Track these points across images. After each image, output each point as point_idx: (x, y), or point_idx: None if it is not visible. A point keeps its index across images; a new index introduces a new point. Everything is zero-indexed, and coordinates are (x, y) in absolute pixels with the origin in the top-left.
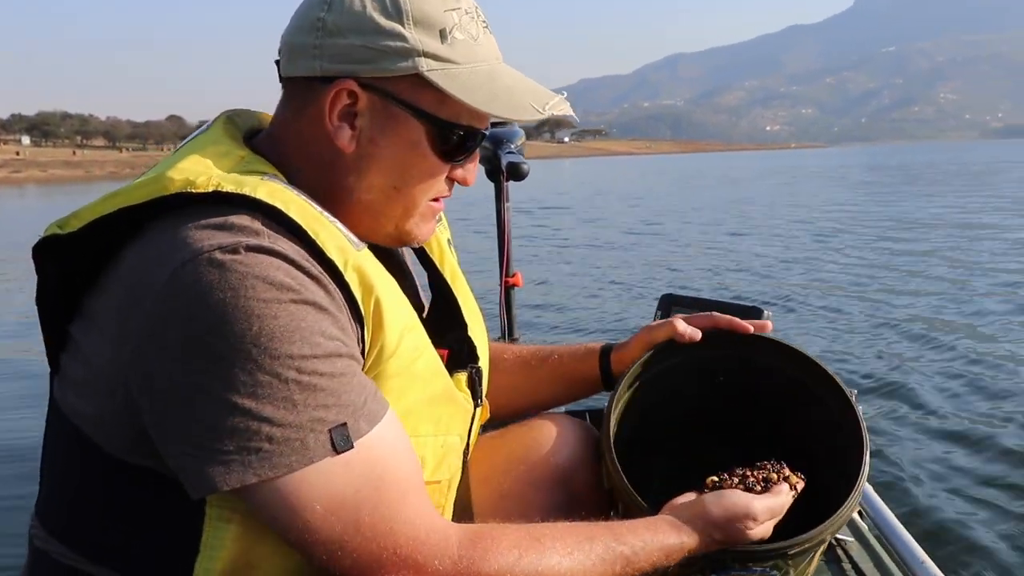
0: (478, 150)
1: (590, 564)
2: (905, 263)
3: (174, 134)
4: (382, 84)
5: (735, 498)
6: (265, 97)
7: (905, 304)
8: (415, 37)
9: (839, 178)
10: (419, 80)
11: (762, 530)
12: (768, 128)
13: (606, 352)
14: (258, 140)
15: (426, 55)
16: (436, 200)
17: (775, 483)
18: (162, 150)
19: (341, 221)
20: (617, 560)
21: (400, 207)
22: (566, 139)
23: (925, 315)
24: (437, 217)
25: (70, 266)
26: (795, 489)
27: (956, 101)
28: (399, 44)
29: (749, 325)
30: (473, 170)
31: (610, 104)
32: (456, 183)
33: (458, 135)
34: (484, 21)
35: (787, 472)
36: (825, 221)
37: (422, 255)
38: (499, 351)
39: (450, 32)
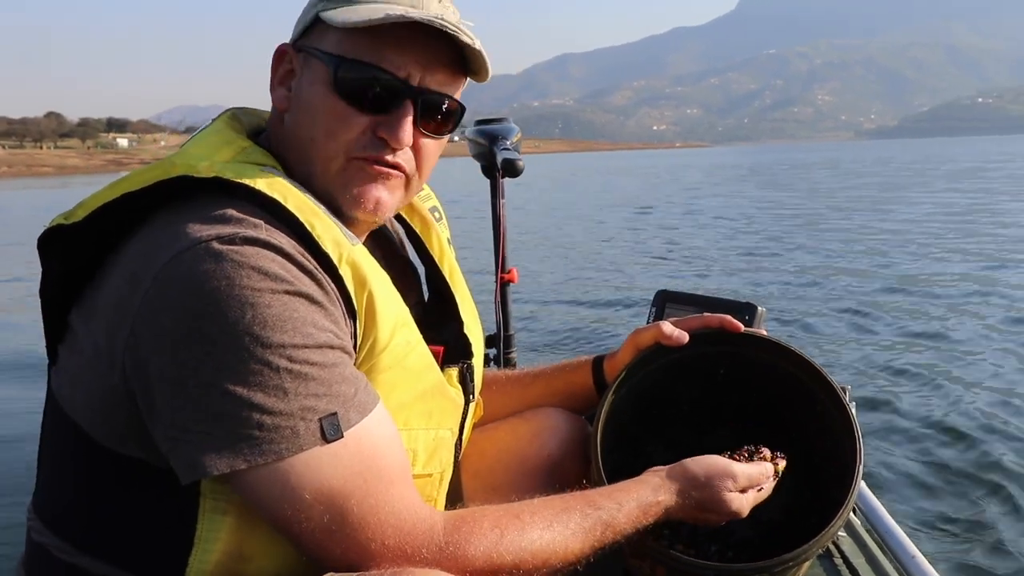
0: (405, 106)
1: (570, 533)
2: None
3: (53, 131)
4: (303, 41)
5: (716, 459)
6: (157, 92)
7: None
8: None
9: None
10: (323, 25)
11: (740, 498)
12: (655, 127)
13: (599, 362)
14: (263, 139)
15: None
16: (370, 161)
17: (757, 460)
18: (40, 148)
19: (313, 193)
20: (596, 525)
21: (321, 159)
22: (456, 138)
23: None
24: (392, 187)
25: (73, 258)
26: (776, 467)
27: (832, 102)
28: (310, 1)
29: (740, 324)
30: (399, 127)
31: (499, 104)
32: (387, 143)
33: (362, 75)
34: None
35: (766, 452)
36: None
37: (422, 252)
38: (492, 374)
39: None
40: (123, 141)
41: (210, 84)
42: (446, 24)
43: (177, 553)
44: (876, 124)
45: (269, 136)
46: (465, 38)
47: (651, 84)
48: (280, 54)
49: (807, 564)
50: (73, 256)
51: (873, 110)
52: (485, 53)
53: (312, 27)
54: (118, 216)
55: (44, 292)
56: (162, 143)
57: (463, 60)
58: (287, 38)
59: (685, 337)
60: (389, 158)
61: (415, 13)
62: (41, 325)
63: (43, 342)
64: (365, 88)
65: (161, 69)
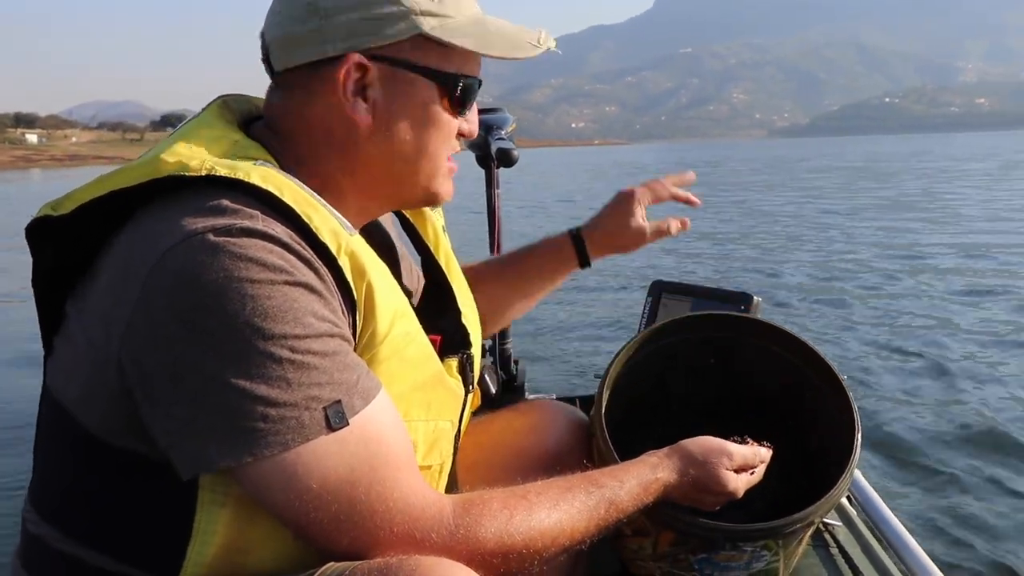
0: (475, 102)
1: (575, 512)
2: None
3: None
4: (388, 52)
5: (711, 439)
6: (68, 87)
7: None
8: None
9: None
10: (420, 39)
11: (736, 477)
12: (574, 125)
13: (577, 236)
14: (258, 125)
15: (423, 14)
16: (450, 159)
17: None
18: None
19: (365, 197)
20: (600, 504)
21: (426, 169)
22: None
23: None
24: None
25: (65, 248)
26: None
27: (746, 101)
28: (396, 8)
29: (692, 197)
30: (475, 120)
31: None
32: (463, 137)
33: (464, 87)
34: None
35: (751, 443)
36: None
37: (417, 240)
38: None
39: None
40: (32, 137)
41: (123, 79)
42: (551, 47)
43: (175, 545)
44: (789, 122)
45: (272, 131)
46: (556, 49)
47: (569, 82)
48: (355, 65)
49: (802, 547)
50: (65, 246)
51: (786, 109)
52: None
53: (403, 40)
54: (107, 207)
55: (37, 282)
56: (73, 139)
57: None
58: (204, 30)
59: (673, 189)
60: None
61: (547, 40)
62: (35, 315)
63: (39, 332)
64: (468, 98)
65: (71, 63)
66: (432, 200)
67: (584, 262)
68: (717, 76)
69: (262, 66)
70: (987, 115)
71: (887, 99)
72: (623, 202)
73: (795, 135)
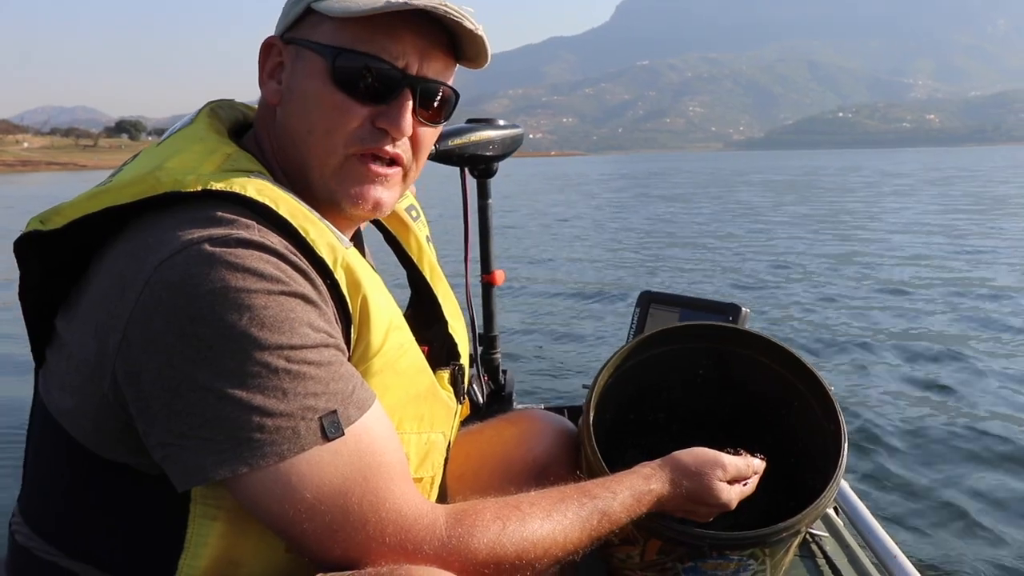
0: (404, 95)
1: (568, 523)
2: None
3: None
4: (294, 33)
5: (705, 450)
6: (18, 91)
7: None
8: None
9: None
10: (316, 17)
11: (729, 489)
12: (532, 136)
13: None
14: (247, 139)
15: None
16: (368, 159)
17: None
18: None
19: (301, 190)
20: (593, 514)
21: (318, 154)
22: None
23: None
24: (390, 186)
25: (53, 260)
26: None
27: (703, 114)
28: None
29: None
30: (399, 116)
31: None
32: (387, 133)
33: (361, 66)
34: None
35: (745, 455)
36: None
37: (400, 252)
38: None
39: None
40: None
41: (77, 84)
42: (450, 11)
43: (166, 558)
44: (745, 136)
45: (258, 132)
46: (469, 24)
47: (528, 93)
48: (268, 47)
49: (797, 542)
50: (53, 259)
51: (742, 122)
52: (486, 38)
53: (303, 18)
54: (97, 218)
55: (24, 295)
56: (25, 144)
57: (456, 46)
58: (160, 36)
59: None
60: (389, 148)
61: (417, 0)
62: (23, 326)
63: (27, 343)
64: (364, 78)
65: (23, 67)
66: (336, 200)
67: None
68: (674, 89)
69: (217, 74)
70: (937, 131)
71: (840, 114)
72: None
73: (751, 148)
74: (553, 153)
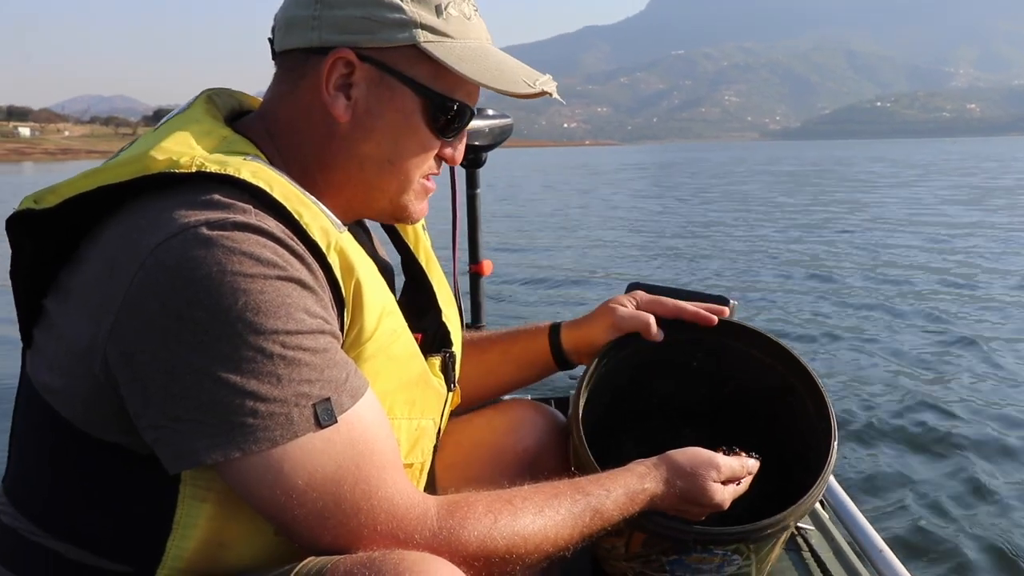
0: (465, 130)
1: (560, 519)
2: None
3: None
4: (379, 55)
5: (700, 451)
6: (60, 80)
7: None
8: (412, 9)
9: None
10: (415, 53)
11: (723, 490)
12: (566, 125)
13: (555, 329)
14: (246, 120)
15: (423, 27)
16: (427, 178)
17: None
18: None
19: (334, 195)
20: (585, 511)
21: (394, 182)
22: None
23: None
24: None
25: (45, 240)
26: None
27: (739, 103)
28: (397, 16)
29: (714, 317)
30: (461, 149)
31: None
32: (444, 161)
33: (451, 110)
34: (474, 4)
35: (741, 454)
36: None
37: (396, 238)
38: None
39: (445, 8)
40: (25, 130)
41: (115, 73)
42: (553, 92)
43: (155, 539)
44: (781, 125)
45: (262, 119)
46: (557, 96)
47: (562, 82)
48: (343, 61)
49: (783, 538)
50: (45, 238)
51: (778, 112)
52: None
53: (398, 47)
54: (90, 199)
55: (15, 274)
56: (66, 133)
57: None
58: (197, 27)
59: (661, 337)
60: (437, 171)
61: (546, 84)
62: (11, 305)
63: (14, 322)
64: (452, 122)
65: (64, 57)
66: (400, 216)
67: (560, 359)
68: (709, 78)
69: (253, 64)
70: (978, 120)
71: (879, 103)
72: (606, 315)
73: (788, 138)
74: (587, 143)
